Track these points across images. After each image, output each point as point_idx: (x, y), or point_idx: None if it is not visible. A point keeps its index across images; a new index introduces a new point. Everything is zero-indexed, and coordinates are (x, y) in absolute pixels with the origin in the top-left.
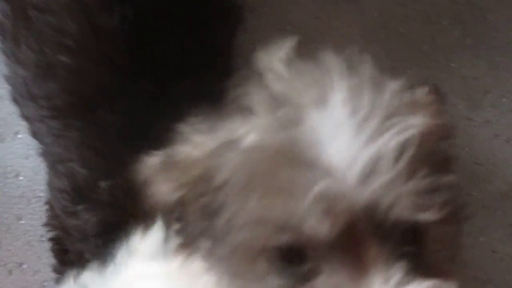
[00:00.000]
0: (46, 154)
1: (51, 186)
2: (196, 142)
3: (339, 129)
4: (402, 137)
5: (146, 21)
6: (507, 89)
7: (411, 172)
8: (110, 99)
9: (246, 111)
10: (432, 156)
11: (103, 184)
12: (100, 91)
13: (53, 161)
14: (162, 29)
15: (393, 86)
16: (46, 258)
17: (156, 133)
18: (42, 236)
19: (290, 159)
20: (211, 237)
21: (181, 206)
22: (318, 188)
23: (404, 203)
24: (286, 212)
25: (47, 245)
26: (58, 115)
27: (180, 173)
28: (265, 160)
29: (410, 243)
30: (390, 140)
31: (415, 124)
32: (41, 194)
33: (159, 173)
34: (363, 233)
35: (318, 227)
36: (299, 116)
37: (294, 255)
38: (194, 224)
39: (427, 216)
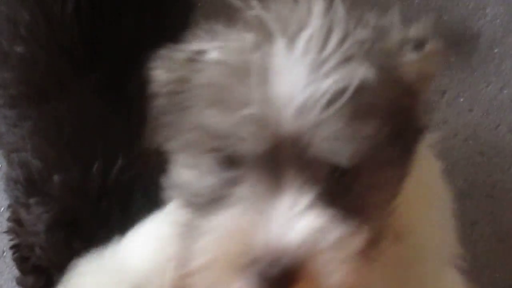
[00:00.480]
0: (1, 143)
1: (6, 176)
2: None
3: (295, 62)
4: (347, 82)
5: (100, 10)
6: (463, 89)
7: (342, 117)
8: (64, 89)
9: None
10: (378, 109)
11: (56, 178)
12: (54, 81)
13: (8, 151)
14: (115, 17)
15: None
16: (7, 274)
17: (110, 124)
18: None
19: (241, 79)
20: (174, 129)
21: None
22: (252, 108)
23: (323, 144)
24: (221, 122)
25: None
26: (13, 105)
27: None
28: (220, 75)
29: (335, 183)
30: (335, 83)
31: (368, 72)
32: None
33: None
34: (285, 158)
35: (246, 142)
36: (265, 42)
37: (228, 161)
38: (168, 115)
39: (342, 160)
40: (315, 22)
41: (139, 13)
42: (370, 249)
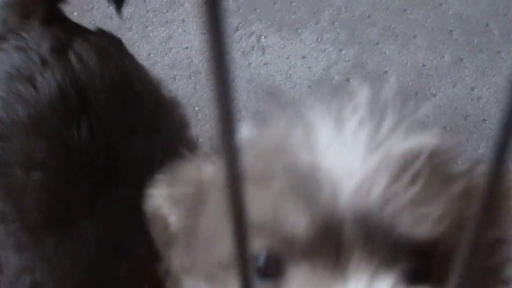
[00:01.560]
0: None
1: None
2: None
3: (346, 141)
4: (408, 146)
5: (113, 132)
6: None
7: (414, 183)
8: (85, 211)
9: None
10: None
11: None
12: (74, 204)
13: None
14: (129, 137)
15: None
16: None
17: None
18: None
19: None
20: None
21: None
22: (307, 190)
23: (400, 215)
24: (269, 212)
25: None
26: (30, 231)
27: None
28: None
29: (415, 261)
30: (395, 148)
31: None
32: None
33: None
34: (348, 239)
35: (300, 227)
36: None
37: (270, 267)
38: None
39: (424, 229)
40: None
41: (150, 133)
42: None
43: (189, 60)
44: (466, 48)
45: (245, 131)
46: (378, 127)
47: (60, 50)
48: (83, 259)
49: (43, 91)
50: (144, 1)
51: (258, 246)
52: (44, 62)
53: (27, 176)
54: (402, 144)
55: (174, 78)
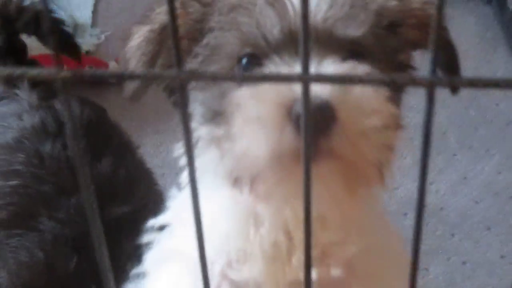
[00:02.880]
0: None
1: None
2: None
3: None
4: None
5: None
6: None
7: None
8: (51, 208)
9: None
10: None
11: None
12: (42, 203)
13: None
14: (95, 158)
15: None
16: None
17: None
18: None
19: None
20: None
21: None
22: (277, 7)
23: (337, 23)
24: (252, 24)
25: None
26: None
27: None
28: None
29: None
30: None
31: None
32: None
33: None
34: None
35: (273, 32)
36: None
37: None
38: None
39: (352, 30)
40: None
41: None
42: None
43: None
44: None
45: None
46: None
47: (47, 98)
48: (39, 254)
49: (28, 121)
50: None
51: (243, 53)
52: (31, 106)
53: (5, 183)
54: None
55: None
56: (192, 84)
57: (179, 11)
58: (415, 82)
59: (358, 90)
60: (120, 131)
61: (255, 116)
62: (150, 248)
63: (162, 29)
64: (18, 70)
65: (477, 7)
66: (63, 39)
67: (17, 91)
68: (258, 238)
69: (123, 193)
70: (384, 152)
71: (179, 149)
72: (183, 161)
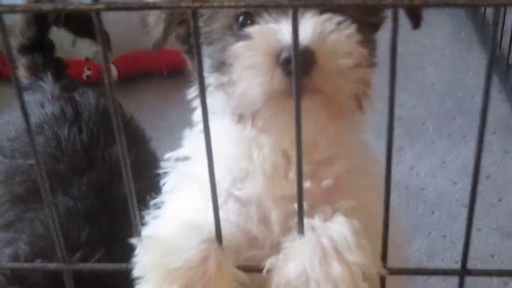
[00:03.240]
0: None
1: None
2: None
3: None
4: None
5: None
6: None
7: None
8: (66, 186)
9: None
10: None
11: (38, 262)
12: (57, 180)
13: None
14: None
15: None
16: None
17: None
18: None
19: None
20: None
21: None
22: None
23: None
24: None
25: None
26: (18, 201)
27: None
28: None
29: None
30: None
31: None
32: None
33: None
34: None
35: None
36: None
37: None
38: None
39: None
40: None
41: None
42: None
43: None
44: (406, 140)
45: None
46: None
47: (68, 90)
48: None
49: (48, 109)
50: None
51: (239, 12)
52: (53, 96)
53: (24, 161)
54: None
55: None
56: (201, 39)
57: None
58: (383, 5)
59: (333, 37)
60: (135, 123)
61: (250, 64)
62: (168, 175)
63: None
64: (60, 4)
65: (451, 9)
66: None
67: (41, 83)
68: (260, 159)
69: (133, 173)
70: (359, 86)
71: (191, 93)
72: (195, 102)
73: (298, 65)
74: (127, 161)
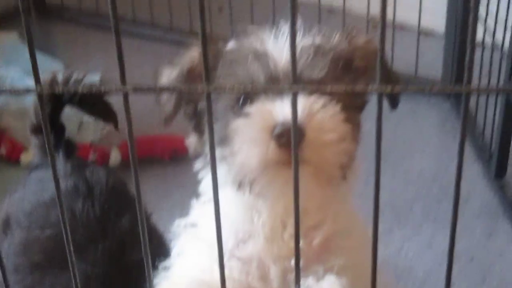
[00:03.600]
0: None
1: None
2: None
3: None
4: (313, 43)
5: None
6: None
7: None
8: (82, 253)
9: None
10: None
11: None
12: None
13: None
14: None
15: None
16: None
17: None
18: None
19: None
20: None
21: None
22: (261, 61)
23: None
24: (245, 74)
25: None
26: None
27: None
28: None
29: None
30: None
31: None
32: None
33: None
34: (282, 82)
35: (260, 78)
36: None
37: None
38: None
39: (315, 75)
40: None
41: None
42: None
43: None
44: (395, 222)
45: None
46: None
47: (79, 168)
48: None
49: (62, 185)
50: None
51: (239, 95)
52: (65, 173)
53: (41, 233)
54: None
55: None
56: (205, 118)
57: (198, 58)
58: (367, 90)
59: (320, 115)
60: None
61: (248, 138)
62: (177, 238)
63: (189, 72)
64: (94, 86)
65: (438, 102)
66: (104, 108)
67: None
68: (260, 222)
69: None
70: (343, 158)
71: (197, 166)
72: (201, 174)
73: (297, 139)
74: (145, 228)
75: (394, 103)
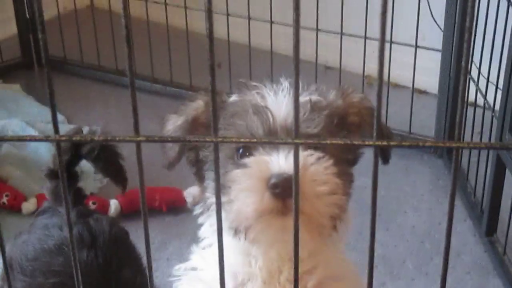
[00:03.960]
0: None
1: None
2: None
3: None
4: (310, 99)
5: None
6: None
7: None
8: None
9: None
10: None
11: None
12: None
13: None
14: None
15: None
16: None
17: None
18: None
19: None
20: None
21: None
22: (261, 115)
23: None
24: (244, 126)
25: None
26: None
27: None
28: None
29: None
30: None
31: (324, 99)
32: None
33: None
34: (280, 135)
35: (259, 131)
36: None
37: (244, 153)
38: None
39: (311, 130)
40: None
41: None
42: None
43: None
44: (388, 276)
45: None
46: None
47: (83, 216)
48: None
49: (66, 234)
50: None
51: (240, 145)
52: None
53: (45, 281)
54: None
55: None
56: (207, 167)
57: (203, 108)
58: (364, 144)
59: (313, 168)
60: (137, 250)
61: (245, 187)
62: (179, 281)
63: (193, 120)
64: (108, 136)
65: (430, 159)
66: (118, 170)
67: (59, 208)
68: (258, 266)
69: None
70: (334, 209)
71: (196, 212)
72: (201, 219)
73: (298, 191)
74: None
75: (385, 159)
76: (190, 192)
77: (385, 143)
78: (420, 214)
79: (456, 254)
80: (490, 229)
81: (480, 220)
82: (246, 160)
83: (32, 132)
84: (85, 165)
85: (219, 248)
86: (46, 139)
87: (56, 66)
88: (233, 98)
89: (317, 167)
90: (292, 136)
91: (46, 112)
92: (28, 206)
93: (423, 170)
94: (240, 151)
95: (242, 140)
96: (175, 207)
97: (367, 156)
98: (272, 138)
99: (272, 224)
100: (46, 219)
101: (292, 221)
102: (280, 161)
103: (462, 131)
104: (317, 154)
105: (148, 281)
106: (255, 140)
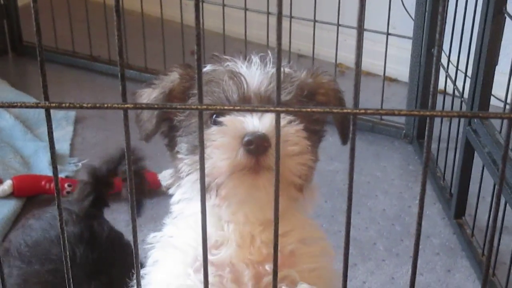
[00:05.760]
0: None
1: None
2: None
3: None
4: (283, 70)
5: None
6: None
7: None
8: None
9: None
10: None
11: None
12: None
13: None
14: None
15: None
16: None
17: None
18: None
19: (230, 74)
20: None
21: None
22: (235, 81)
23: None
24: (220, 92)
25: None
26: None
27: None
28: (216, 76)
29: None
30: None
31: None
32: None
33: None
34: (253, 102)
35: (233, 96)
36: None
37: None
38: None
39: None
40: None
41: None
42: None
43: None
44: (359, 257)
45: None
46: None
47: (90, 217)
48: None
49: (70, 228)
50: None
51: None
52: (77, 218)
53: (41, 267)
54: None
55: None
56: (180, 133)
57: (178, 80)
58: (341, 112)
59: (285, 129)
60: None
61: (220, 144)
62: (152, 248)
63: (169, 92)
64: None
65: (401, 145)
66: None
67: (69, 206)
68: (230, 230)
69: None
70: (302, 168)
71: (168, 181)
72: (172, 189)
73: (279, 157)
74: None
75: (344, 139)
76: (165, 176)
77: (362, 110)
78: (391, 198)
79: (426, 236)
80: (458, 212)
81: (449, 203)
82: (222, 119)
83: (8, 117)
84: (60, 149)
85: (202, 207)
86: (36, 105)
87: (30, 53)
88: (207, 68)
89: (289, 129)
90: (266, 103)
91: (21, 97)
92: (4, 188)
93: (393, 155)
94: (214, 116)
95: (225, 107)
96: (150, 190)
97: (337, 142)
98: (255, 106)
99: (244, 181)
100: (55, 212)
101: (263, 180)
102: (254, 121)
103: (435, 102)
104: (289, 117)
105: (135, 266)
106: (238, 107)
